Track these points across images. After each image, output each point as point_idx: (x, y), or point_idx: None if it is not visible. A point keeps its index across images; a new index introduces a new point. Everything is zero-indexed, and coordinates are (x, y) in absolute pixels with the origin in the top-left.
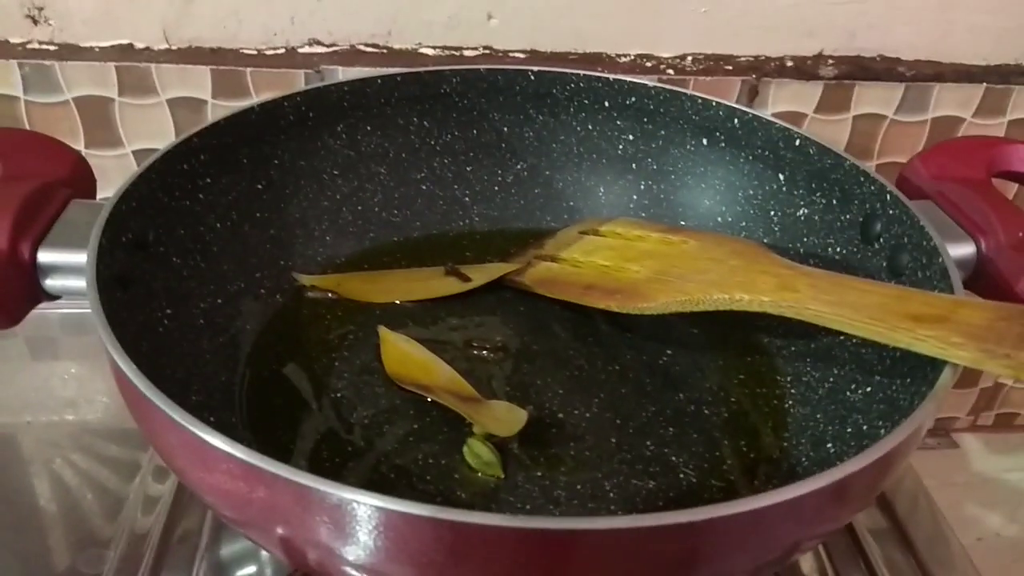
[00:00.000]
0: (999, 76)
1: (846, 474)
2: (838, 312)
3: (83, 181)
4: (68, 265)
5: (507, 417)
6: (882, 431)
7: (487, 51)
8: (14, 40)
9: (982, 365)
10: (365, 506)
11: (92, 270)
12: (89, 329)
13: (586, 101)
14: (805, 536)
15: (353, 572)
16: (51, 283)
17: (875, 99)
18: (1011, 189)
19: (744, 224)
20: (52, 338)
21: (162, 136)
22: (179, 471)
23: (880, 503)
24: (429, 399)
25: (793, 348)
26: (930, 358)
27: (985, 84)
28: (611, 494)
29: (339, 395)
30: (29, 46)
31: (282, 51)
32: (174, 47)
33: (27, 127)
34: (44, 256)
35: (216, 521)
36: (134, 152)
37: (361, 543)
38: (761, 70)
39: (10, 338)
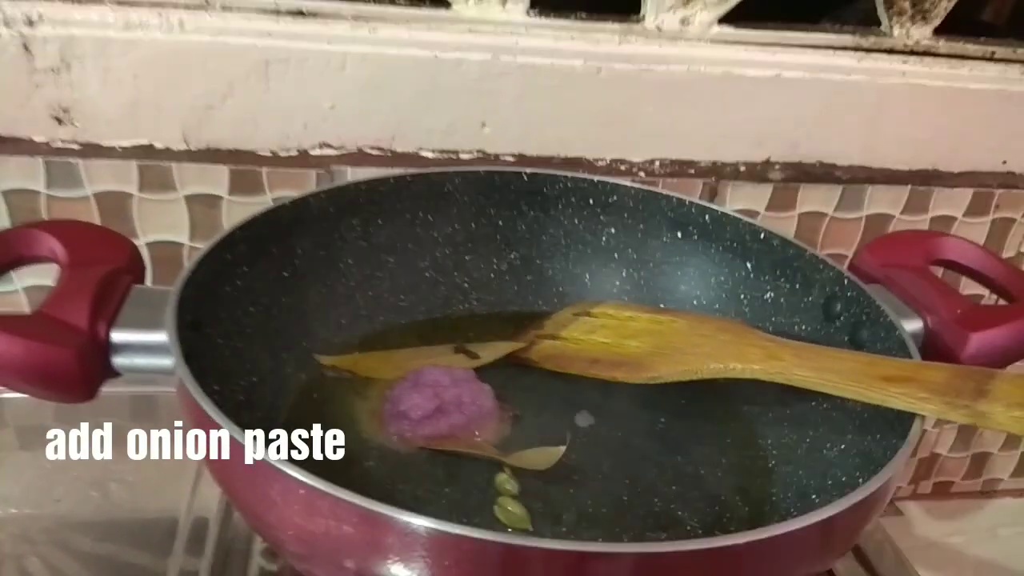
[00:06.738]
0: (920, 179)
1: (839, 510)
2: (821, 376)
3: (139, 268)
4: (138, 344)
5: (539, 454)
6: (860, 480)
7: (480, 154)
8: (38, 139)
9: (945, 415)
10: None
11: (176, 347)
12: None
13: (573, 199)
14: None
15: None
16: (120, 361)
17: (817, 199)
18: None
19: (717, 306)
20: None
21: (176, 229)
22: (255, 513)
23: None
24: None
25: (770, 414)
26: (898, 414)
27: (910, 186)
28: None
29: (371, 464)
30: (53, 145)
31: (295, 153)
32: (193, 148)
33: (45, 218)
34: (116, 336)
35: None
36: (147, 244)
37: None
38: (719, 173)
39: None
